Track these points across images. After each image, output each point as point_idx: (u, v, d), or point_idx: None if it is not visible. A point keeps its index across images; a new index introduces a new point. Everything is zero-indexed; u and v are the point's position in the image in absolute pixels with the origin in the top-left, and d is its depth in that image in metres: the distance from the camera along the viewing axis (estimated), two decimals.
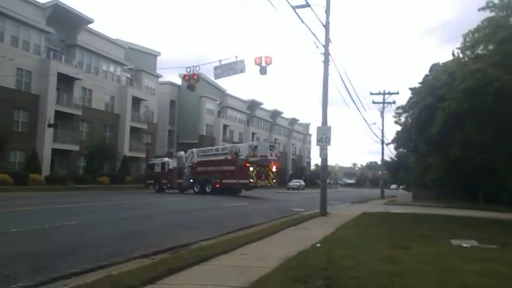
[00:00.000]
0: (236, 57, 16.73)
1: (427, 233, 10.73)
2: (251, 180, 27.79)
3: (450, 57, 18.38)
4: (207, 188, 29.95)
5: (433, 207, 24.23)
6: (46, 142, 34.37)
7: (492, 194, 30.25)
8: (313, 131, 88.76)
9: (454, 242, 9.37)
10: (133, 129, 45.11)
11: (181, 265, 6.05)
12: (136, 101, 46.08)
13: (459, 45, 14.84)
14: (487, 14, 13.70)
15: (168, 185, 33.69)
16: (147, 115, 48.98)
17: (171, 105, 57.76)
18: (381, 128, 39.59)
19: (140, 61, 48.90)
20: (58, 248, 7.66)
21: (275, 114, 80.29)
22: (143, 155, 43.95)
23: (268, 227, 11.70)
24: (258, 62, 16.00)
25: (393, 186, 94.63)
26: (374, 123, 67.75)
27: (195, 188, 30.72)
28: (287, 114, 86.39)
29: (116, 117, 43.67)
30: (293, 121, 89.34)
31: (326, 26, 16.92)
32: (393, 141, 26.82)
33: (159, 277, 5.41)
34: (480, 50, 13.95)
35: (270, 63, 16.03)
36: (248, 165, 27.73)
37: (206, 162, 31.05)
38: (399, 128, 25.63)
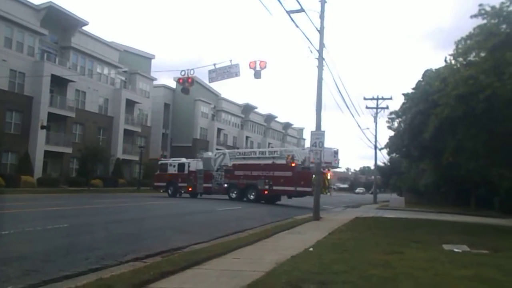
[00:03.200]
0: (230, 61, 16.75)
1: (419, 238, 10.79)
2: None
3: (443, 63, 18.59)
4: (249, 195, 27.40)
5: (426, 212, 24.37)
6: (38, 144, 34.12)
7: (483, 200, 30.52)
8: (307, 135, 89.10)
9: (446, 247, 9.43)
10: (126, 132, 44.94)
11: (173, 269, 6.04)
12: (130, 104, 45.95)
13: (451, 52, 15.03)
14: (479, 21, 13.88)
15: (190, 190, 30.29)
16: (141, 118, 48.83)
17: (165, 108, 57.66)
18: (374, 133, 39.91)
19: (134, 64, 48.81)
20: (49, 251, 7.60)
21: (269, 118, 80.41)
22: (136, 158, 43.74)
23: (261, 231, 11.70)
24: (252, 66, 16.04)
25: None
26: (368, 128, 68.18)
27: (232, 194, 28.12)
28: (281, 118, 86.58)
29: (109, 120, 43.49)
30: (287, 125, 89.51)
31: (321, 31, 17.02)
32: (386, 146, 26.98)
33: (151, 280, 5.40)
34: (472, 57, 14.11)
35: (265, 67, 16.08)
36: (309, 172, 24.99)
37: (249, 166, 28.12)
38: (392, 133, 25.83)
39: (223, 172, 28.94)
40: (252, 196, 27.33)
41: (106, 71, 43.30)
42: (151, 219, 14.30)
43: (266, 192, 26.86)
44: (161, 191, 32.07)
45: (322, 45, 17.12)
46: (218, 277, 5.84)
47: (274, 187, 26.64)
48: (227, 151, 32.30)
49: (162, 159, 35.98)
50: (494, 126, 12.76)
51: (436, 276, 6.09)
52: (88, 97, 40.86)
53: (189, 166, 30.77)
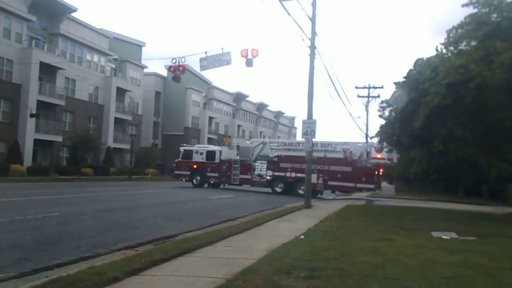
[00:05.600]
0: (222, 49, 16.62)
1: (408, 225, 10.94)
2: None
3: (435, 52, 18.63)
4: (298, 189, 24.92)
5: (415, 200, 24.66)
6: (28, 132, 33.72)
7: (472, 187, 30.94)
8: (298, 124, 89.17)
9: (434, 234, 9.58)
10: (117, 120, 44.59)
11: (165, 257, 6.06)
12: (121, 92, 45.52)
13: (443, 41, 15.08)
14: (471, 10, 13.92)
15: (224, 180, 28.10)
16: (131, 106, 48.44)
17: (156, 96, 57.23)
18: (365, 122, 40.07)
19: (124, 52, 48.21)
20: (40, 239, 7.58)
21: (261, 106, 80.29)
22: (127, 146, 43.47)
23: (252, 219, 11.77)
24: (244, 54, 15.94)
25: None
26: (359, 117, 68.32)
27: (277, 188, 26.11)
28: (272, 107, 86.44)
29: (100, 108, 43.10)
30: (279, 114, 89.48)
31: (313, 19, 16.95)
32: (377, 135, 27.11)
33: (143, 268, 5.42)
34: (463, 46, 14.19)
35: (257, 55, 15.99)
36: (372, 167, 24.72)
37: (298, 158, 24.90)
38: (383, 122, 25.92)
39: (266, 163, 26.88)
40: (301, 191, 24.27)
41: (96, 58, 42.75)
42: (142, 208, 14.30)
43: (318, 186, 24.91)
44: (183, 180, 29.54)
45: (314, 33, 17.06)
46: (209, 265, 5.88)
47: (330, 182, 25.08)
48: (267, 140, 29.46)
49: (185, 144, 32.78)
50: (483, 114, 12.90)
51: (425, 263, 6.19)
52: (78, 85, 40.36)
53: (220, 155, 28.61)
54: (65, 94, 38.02)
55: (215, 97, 65.41)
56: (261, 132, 78.45)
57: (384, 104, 25.70)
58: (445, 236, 9.35)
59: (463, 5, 14.11)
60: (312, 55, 17.11)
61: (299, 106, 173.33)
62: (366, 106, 39.41)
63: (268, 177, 26.56)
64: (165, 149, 54.93)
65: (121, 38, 48.95)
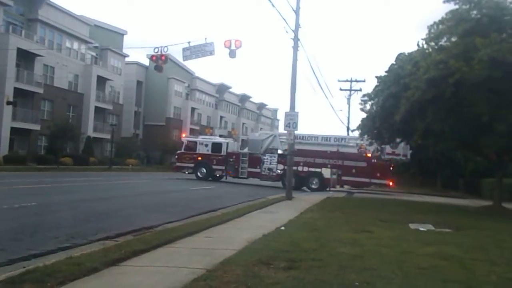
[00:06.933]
0: (205, 39, 16.52)
1: (387, 217, 11.14)
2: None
3: (416, 47, 18.84)
4: (311, 184, 25.21)
5: (394, 193, 25.09)
6: (4, 120, 32.87)
7: (449, 181, 31.74)
8: (281, 116, 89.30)
9: (412, 226, 9.79)
10: (97, 110, 43.84)
11: (145, 247, 6.03)
12: (101, 81, 44.71)
13: (425, 36, 15.25)
14: (452, 6, 14.09)
15: (231, 173, 27.25)
16: (112, 96, 47.68)
17: (138, 86, 56.43)
18: (347, 115, 40.45)
19: (105, 40, 47.22)
20: (17, 229, 7.45)
21: (244, 98, 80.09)
22: (108, 136, 42.85)
23: (234, 210, 11.81)
24: (227, 45, 15.88)
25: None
26: (341, 110, 69.01)
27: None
28: (255, 99, 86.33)
29: (80, 97, 42.27)
30: (261, 105, 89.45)
31: (297, 11, 16.94)
32: (358, 128, 27.38)
33: (123, 259, 5.38)
34: (443, 42, 14.35)
35: (240, 46, 15.94)
36: (388, 163, 24.44)
37: (311, 152, 25.38)
38: (364, 115, 26.14)
39: (276, 157, 26.17)
40: (313, 186, 25.12)
41: (75, 46, 41.81)
42: (122, 198, 14.16)
43: (332, 181, 24.97)
44: (186, 172, 28.49)
45: (297, 25, 17.07)
46: (190, 255, 5.88)
47: (344, 178, 25.00)
48: (277, 132, 28.42)
49: (188, 135, 31.54)
50: (462, 110, 13.14)
51: (402, 254, 6.33)
52: (57, 72, 39.44)
53: (227, 147, 27.85)
54: (44, 81, 37.14)
55: (197, 88, 64.91)
56: (243, 123, 78.33)
57: (366, 98, 25.91)
58: (422, 228, 9.56)
59: (444, 1, 14.30)
60: (295, 47, 17.14)
61: (281, 98, 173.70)
62: (348, 100, 39.80)
63: (279, 171, 25.75)
64: (147, 140, 54.42)
65: (102, 25, 47.97)
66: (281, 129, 66.98)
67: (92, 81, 42.80)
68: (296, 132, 23.62)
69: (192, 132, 57.71)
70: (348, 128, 38.77)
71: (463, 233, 9.06)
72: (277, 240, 7.08)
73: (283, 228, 8.67)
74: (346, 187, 27.25)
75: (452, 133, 14.42)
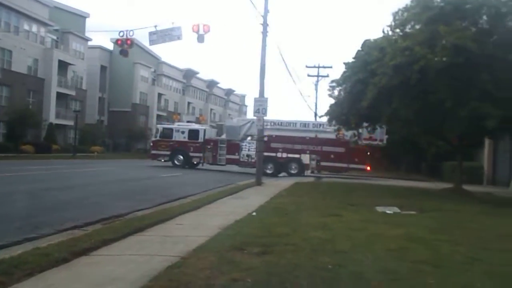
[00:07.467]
0: (172, 23, 16.16)
1: (355, 201, 11.40)
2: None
3: (382, 34, 19.16)
4: (290, 170, 25.48)
5: (361, 177, 25.70)
6: None
7: (413, 165, 32.89)
8: (249, 102, 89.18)
9: (379, 209, 10.07)
10: (59, 95, 42.26)
11: (115, 236, 5.93)
12: (63, 65, 43.03)
13: (389, 23, 15.51)
14: None
15: (205, 160, 27.00)
16: (75, 81, 46.05)
17: (102, 71, 54.70)
18: (315, 101, 40.92)
19: (67, 22, 45.27)
20: None
21: (212, 84, 79.35)
22: (71, 122, 41.47)
23: (204, 197, 11.76)
24: (195, 29, 15.59)
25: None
26: (309, 96, 69.61)
27: (267, 169, 24.34)
28: (223, 85, 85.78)
29: (40, 82, 40.56)
30: (229, 91, 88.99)
31: None
32: (326, 114, 27.77)
33: (93, 248, 5.27)
34: (408, 29, 14.65)
35: (208, 31, 15.70)
36: (366, 148, 24.54)
37: (290, 139, 25.48)
38: (332, 101, 26.48)
39: (254, 143, 25.41)
40: (293, 171, 25.46)
41: (34, 28, 39.93)
42: (89, 186, 13.80)
43: (311, 167, 25.40)
44: (162, 160, 28.01)
45: (266, 10, 16.98)
46: (162, 243, 5.83)
47: (323, 163, 25.38)
48: (255, 118, 29.08)
49: (163, 122, 30.58)
50: (426, 96, 13.51)
51: (371, 236, 6.51)
52: (15, 56, 37.61)
53: (204, 134, 27.52)
54: (1, 66, 35.40)
55: (164, 73, 63.72)
56: (211, 109, 77.80)
57: (334, 84, 26.22)
58: (389, 211, 9.85)
59: None
60: (264, 33, 17.05)
61: (249, 84, 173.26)
62: (316, 85, 40.19)
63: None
64: (112, 126, 53.12)
65: (63, 7, 46.03)
66: (249, 115, 67.11)
67: (53, 65, 41.11)
68: (275, 118, 23.12)
69: (159, 118, 56.80)
70: (315, 114, 39.27)
71: (427, 215, 9.39)
72: (249, 225, 7.12)
73: (254, 213, 8.72)
74: (324, 172, 27.59)
75: (416, 119, 14.82)
